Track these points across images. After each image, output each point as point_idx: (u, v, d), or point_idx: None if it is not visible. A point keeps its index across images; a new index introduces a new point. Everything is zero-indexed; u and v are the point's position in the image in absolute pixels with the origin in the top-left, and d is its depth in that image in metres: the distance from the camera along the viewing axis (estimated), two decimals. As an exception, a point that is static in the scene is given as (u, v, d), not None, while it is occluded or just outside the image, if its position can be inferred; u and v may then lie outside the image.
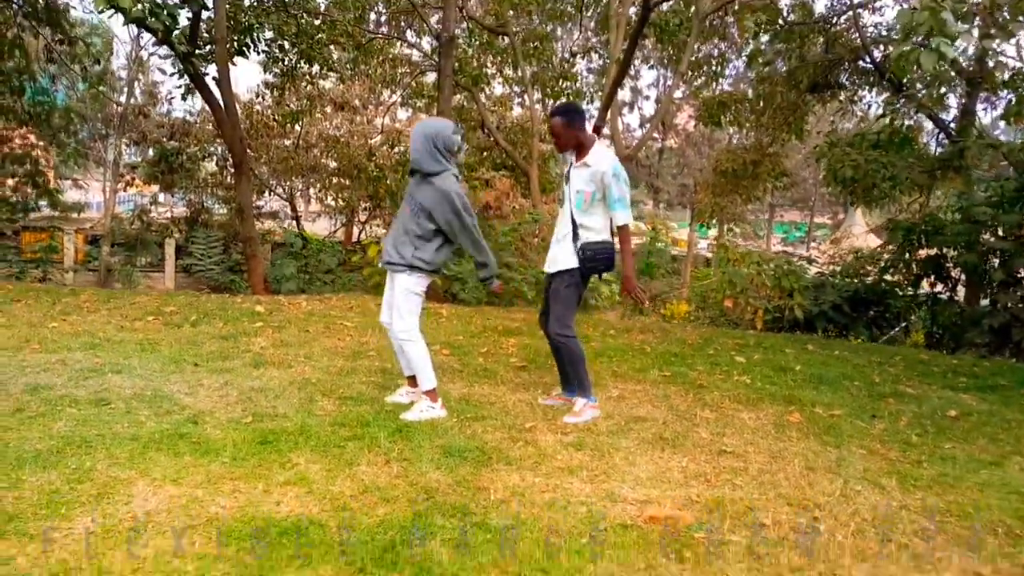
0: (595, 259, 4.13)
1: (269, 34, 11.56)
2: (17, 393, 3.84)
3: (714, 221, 19.67)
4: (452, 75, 9.02)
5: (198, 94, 10.04)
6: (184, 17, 7.88)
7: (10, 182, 16.96)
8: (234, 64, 11.65)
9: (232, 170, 15.22)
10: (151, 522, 2.64)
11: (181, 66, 9.31)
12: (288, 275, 12.38)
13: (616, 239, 4.20)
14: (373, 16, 14.50)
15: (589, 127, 4.27)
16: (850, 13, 13.10)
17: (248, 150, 18.23)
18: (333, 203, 20.43)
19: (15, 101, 11.14)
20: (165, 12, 7.01)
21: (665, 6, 11.83)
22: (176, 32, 7.76)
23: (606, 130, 11.82)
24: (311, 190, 22.08)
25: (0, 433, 3.32)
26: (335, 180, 19.97)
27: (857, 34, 12.63)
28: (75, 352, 4.76)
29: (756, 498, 3.17)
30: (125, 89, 23.08)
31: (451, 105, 9.24)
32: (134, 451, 3.24)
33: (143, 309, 6.34)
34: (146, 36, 22.32)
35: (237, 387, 4.25)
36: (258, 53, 12.00)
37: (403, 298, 3.95)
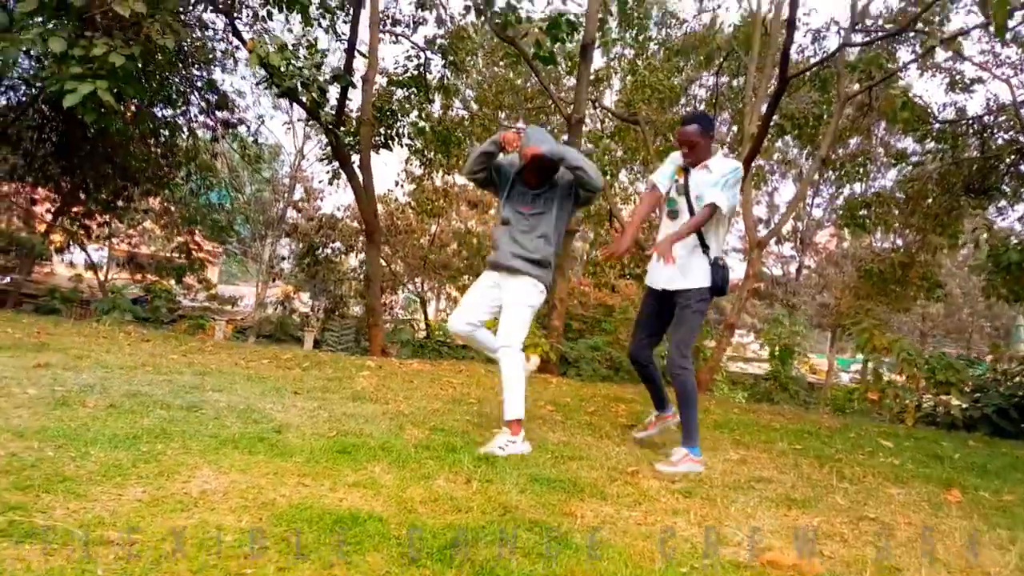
0: (726, 278, 3.78)
1: (410, 129, 12.25)
2: (116, 396, 3.86)
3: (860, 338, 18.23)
4: (580, 155, 9.06)
5: (343, 182, 10.73)
6: (333, 96, 8.52)
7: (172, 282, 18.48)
8: (377, 154, 12.43)
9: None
10: (204, 500, 2.45)
11: (329, 148, 10.00)
12: (404, 340, 12.49)
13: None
14: (504, 117, 15.08)
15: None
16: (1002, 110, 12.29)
17: (384, 242, 19.18)
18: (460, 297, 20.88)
19: (186, 184, 12.29)
20: (315, 85, 7.55)
21: (804, 101, 11.57)
22: (325, 109, 8.32)
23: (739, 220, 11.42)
24: (445, 287, 22.74)
25: (87, 421, 3.29)
26: (466, 278, 20.48)
27: (1020, 132, 11.74)
28: (184, 375, 4.82)
29: (906, 562, 2.57)
30: (285, 194, 25.24)
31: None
32: (210, 445, 3.11)
33: (261, 355, 6.46)
34: (310, 145, 24.56)
35: (329, 411, 4.10)
36: (402, 146, 12.74)
37: (520, 310, 3.73)
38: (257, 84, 7.66)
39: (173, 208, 15.81)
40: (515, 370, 3.65)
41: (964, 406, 7.14)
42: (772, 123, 10.73)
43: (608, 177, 13.85)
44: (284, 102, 19.95)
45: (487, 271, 3.95)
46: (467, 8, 9.84)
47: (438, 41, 11.88)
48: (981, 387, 7.61)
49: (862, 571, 2.41)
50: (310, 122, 10.47)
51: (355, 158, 9.99)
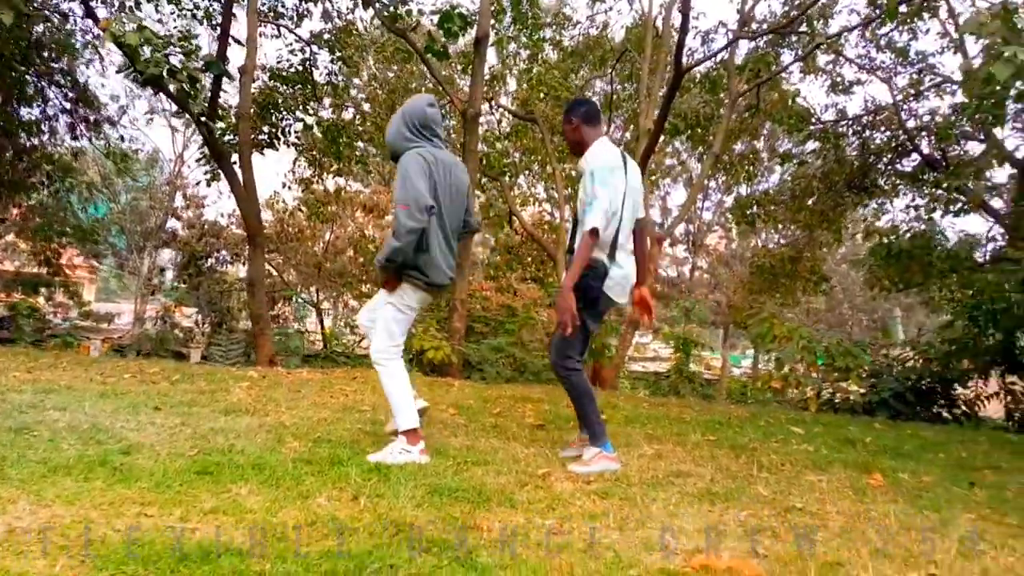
0: (584, 275, 3.33)
1: (299, 125, 11.60)
2: (-73, 419, 3.20)
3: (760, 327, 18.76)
4: (476, 151, 8.73)
5: (224, 183, 9.93)
6: (207, 86, 7.80)
7: (43, 294, 16.85)
8: (262, 154, 11.68)
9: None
10: (11, 540, 1.93)
11: (203, 141, 9.28)
12: (294, 348, 11.69)
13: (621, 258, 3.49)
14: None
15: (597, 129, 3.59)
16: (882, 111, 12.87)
17: (274, 249, 18.23)
18: (358, 305, 20.12)
19: (44, 189, 11.08)
20: (185, 74, 6.86)
21: (695, 101, 11.69)
22: (198, 101, 7.63)
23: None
24: (343, 296, 21.81)
25: None
26: (364, 286, 19.73)
27: (899, 130, 12.30)
28: (23, 394, 4.13)
29: (845, 555, 2.34)
30: (164, 202, 23.69)
31: (474, 182, 8.94)
32: (35, 473, 2.55)
33: (124, 370, 5.73)
34: (191, 151, 23.18)
35: (194, 427, 3.55)
36: (288, 145, 12.03)
37: (382, 310, 3.31)
38: (118, 71, 6.91)
39: (38, 218, 14.38)
40: (390, 379, 3.27)
41: (862, 391, 7.25)
42: (666, 122, 10.80)
43: (507, 179, 13.62)
44: (163, 102, 18.69)
45: None
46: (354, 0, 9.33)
47: (325, 36, 11.31)
48: (876, 372, 7.78)
49: (804, 569, 2.16)
50: (179, 113, 9.65)
51: (236, 158, 9.30)
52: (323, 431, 3.67)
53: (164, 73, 6.76)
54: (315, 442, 3.40)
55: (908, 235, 7.60)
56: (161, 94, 7.74)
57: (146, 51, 6.35)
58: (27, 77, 9.88)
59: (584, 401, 3.44)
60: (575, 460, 3.39)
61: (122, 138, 11.70)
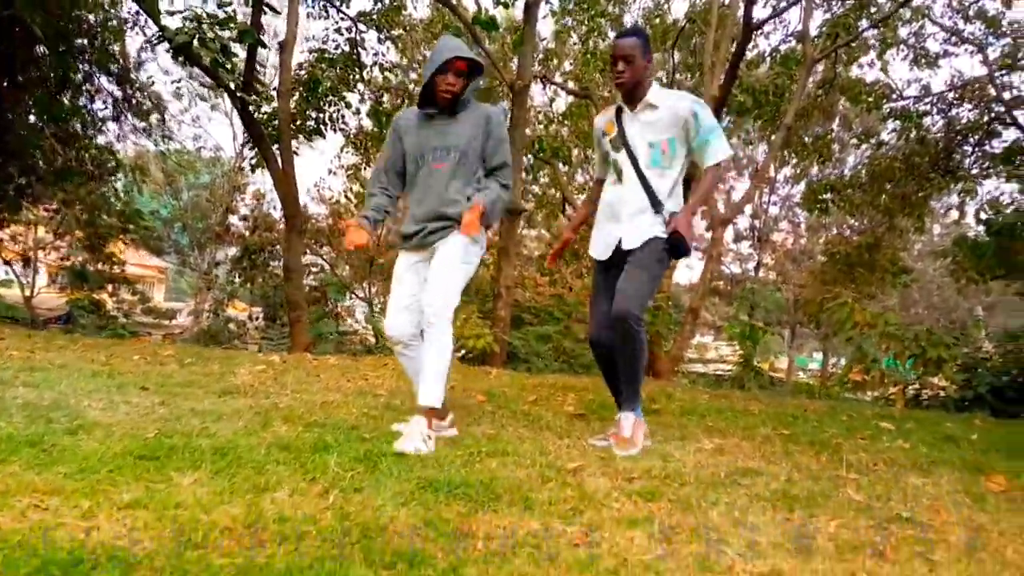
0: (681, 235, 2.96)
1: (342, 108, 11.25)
2: None
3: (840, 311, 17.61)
4: (524, 125, 8.16)
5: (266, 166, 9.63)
6: (241, 57, 7.44)
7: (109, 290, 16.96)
8: (309, 141, 11.38)
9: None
10: None
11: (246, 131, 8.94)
12: (327, 332, 11.29)
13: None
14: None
15: None
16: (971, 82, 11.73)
17: (327, 243, 18.05)
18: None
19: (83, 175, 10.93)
20: (217, 43, 6.47)
21: (763, 69, 10.84)
22: (234, 75, 7.26)
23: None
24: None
25: None
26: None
27: (993, 103, 11.17)
28: (4, 371, 3.74)
29: (982, 584, 1.67)
30: (225, 199, 23.91)
31: (522, 163, 8.36)
32: (-58, 454, 2.08)
33: (136, 351, 5.36)
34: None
35: (173, 408, 3.07)
36: (335, 131, 11.69)
37: (455, 265, 2.88)
38: (147, 42, 6.58)
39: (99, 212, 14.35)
40: (448, 344, 2.82)
41: (954, 387, 6.39)
42: (732, 96, 10.00)
43: (561, 164, 12.97)
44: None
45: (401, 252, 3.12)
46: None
47: (372, 15, 10.90)
48: (969, 366, 6.86)
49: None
50: (214, 86, 9.34)
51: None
52: (321, 415, 3.14)
53: (195, 42, 6.40)
54: (306, 427, 2.87)
55: (1011, 209, 6.68)
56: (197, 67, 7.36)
57: (175, 20, 6.01)
58: (72, 62, 9.72)
59: (642, 362, 3.05)
60: (621, 444, 2.90)
61: (163, 120, 11.52)
